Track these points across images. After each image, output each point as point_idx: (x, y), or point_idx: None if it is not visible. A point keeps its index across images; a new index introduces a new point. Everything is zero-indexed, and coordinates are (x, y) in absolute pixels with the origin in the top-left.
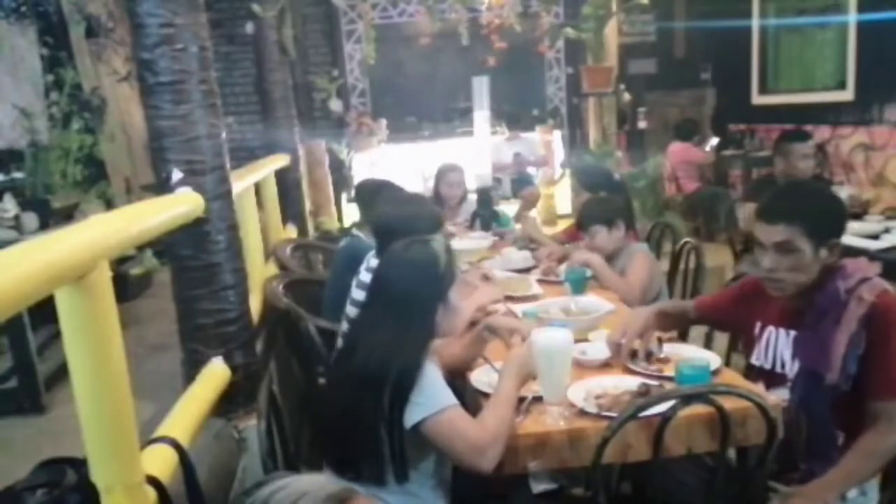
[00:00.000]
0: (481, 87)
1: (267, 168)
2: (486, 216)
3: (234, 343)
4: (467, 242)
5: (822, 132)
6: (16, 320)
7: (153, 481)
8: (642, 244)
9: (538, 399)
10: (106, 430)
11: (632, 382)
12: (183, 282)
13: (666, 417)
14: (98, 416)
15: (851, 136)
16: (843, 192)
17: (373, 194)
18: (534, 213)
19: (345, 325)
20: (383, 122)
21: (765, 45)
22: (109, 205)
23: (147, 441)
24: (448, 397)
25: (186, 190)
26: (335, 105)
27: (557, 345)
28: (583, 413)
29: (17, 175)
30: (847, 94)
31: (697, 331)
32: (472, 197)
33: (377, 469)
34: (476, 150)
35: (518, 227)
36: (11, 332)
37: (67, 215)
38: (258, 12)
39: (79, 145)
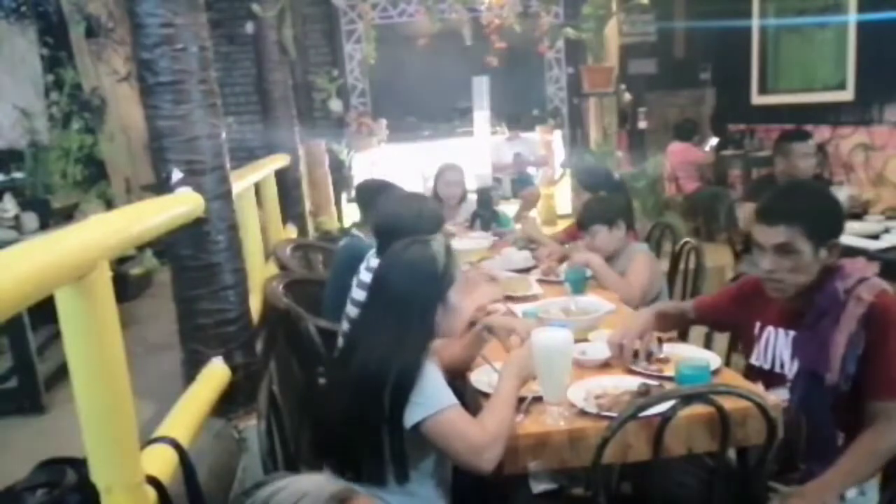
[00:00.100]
0: (481, 87)
1: (267, 168)
2: (486, 216)
3: (234, 343)
4: (467, 242)
5: (822, 132)
6: (16, 320)
7: (153, 481)
8: (642, 244)
9: (538, 399)
10: (106, 430)
11: (632, 382)
12: (183, 282)
13: (666, 417)
14: (98, 416)
15: (851, 136)
16: (843, 192)
17: (373, 194)
18: (534, 213)
19: (345, 325)
20: (383, 122)
21: (765, 45)
22: (109, 205)
23: (147, 441)
24: (448, 397)
25: (186, 190)
26: (335, 105)
27: (557, 345)
28: (583, 413)
29: (17, 175)
30: (847, 94)
31: (697, 331)
32: (472, 197)
33: (377, 469)
34: (476, 150)
35: (518, 227)
36: (11, 332)
37: (67, 215)
38: (258, 12)
39: (79, 145)
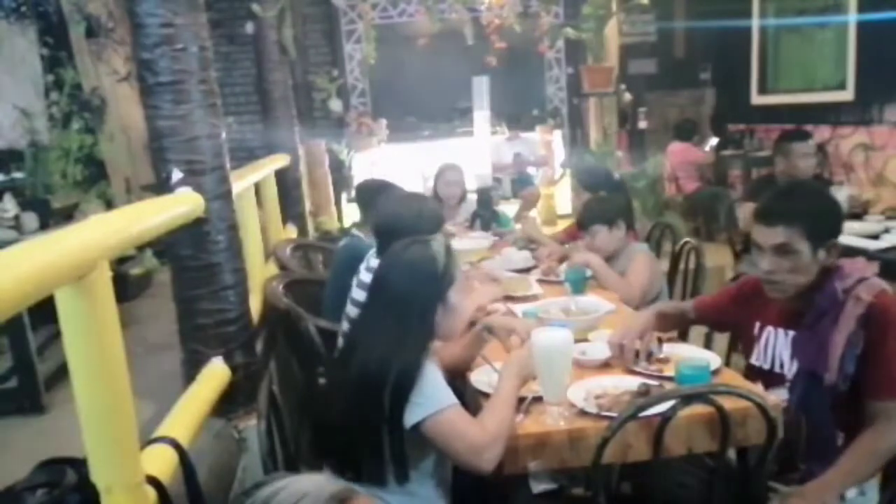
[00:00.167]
0: (481, 87)
1: (267, 168)
2: (486, 216)
3: (234, 343)
4: (467, 242)
5: (822, 132)
6: (16, 320)
7: (153, 481)
8: (643, 244)
9: (538, 399)
10: (106, 430)
11: (632, 382)
12: (183, 282)
13: (666, 417)
14: (98, 416)
15: (851, 136)
16: (843, 192)
17: (373, 194)
18: (534, 213)
19: (345, 326)
20: (383, 122)
21: (765, 45)
22: (109, 205)
23: (147, 441)
24: (448, 397)
25: (186, 190)
26: (335, 105)
27: (557, 345)
28: (583, 413)
29: (17, 175)
30: (847, 94)
31: (697, 331)
32: (472, 197)
33: (377, 469)
34: (476, 150)
35: (518, 227)
36: (11, 332)
37: (67, 215)
38: (258, 12)
39: (79, 145)
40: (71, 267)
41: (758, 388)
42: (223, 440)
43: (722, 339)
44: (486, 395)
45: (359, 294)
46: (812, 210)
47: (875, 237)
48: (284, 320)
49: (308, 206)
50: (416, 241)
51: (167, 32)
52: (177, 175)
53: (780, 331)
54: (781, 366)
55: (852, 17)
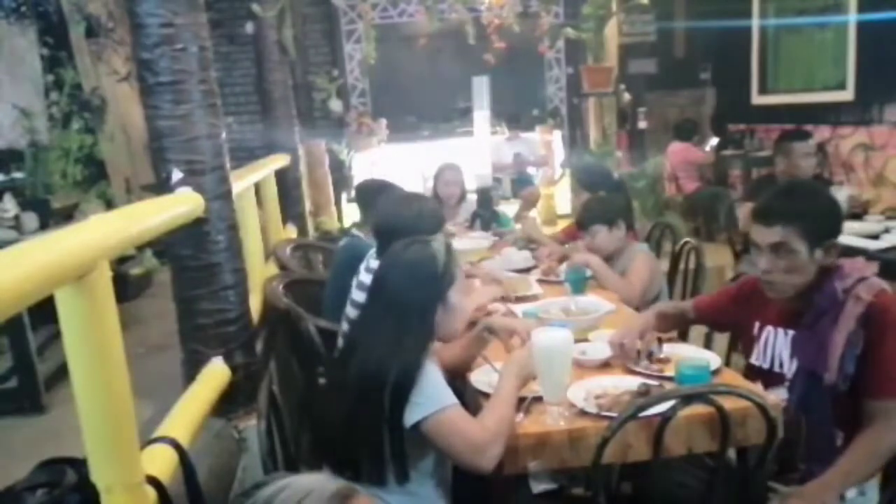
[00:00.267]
0: (481, 87)
1: (267, 168)
2: (486, 216)
3: (234, 343)
4: (467, 242)
5: (822, 132)
6: (16, 320)
7: (153, 481)
8: (643, 244)
9: (538, 399)
10: (106, 430)
11: (632, 382)
12: (183, 282)
13: (666, 417)
14: (98, 416)
15: (851, 136)
16: (843, 192)
17: (373, 194)
18: (534, 213)
19: (345, 326)
20: (383, 122)
21: (765, 45)
22: (109, 205)
23: (147, 441)
24: (448, 397)
25: (186, 190)
26: (335, 105)
27: (557, 345)
28: (583, 413)
29: (17, 175)
30: (847, 94)
31: (697, 331)
32: (472, 197)
33: (377, 469)
34: (476, 150)
35: (518, 227)
36: (11, 332)
37: (67, 215)
38: (258, 12)
39: (79, 145)
40: (71, 267)
41: (757, 387)
42: (223, 440)
43: (722, 339)
44: (486, 395)
45: (358, 295)
46: (810, 210)
47: (875, 237)
48: (284, 320)
49: (308, 206)
50: (415, 241)
51: (167, 32)
52: (177, 175)
53: (780, 330)
54: (781, 365)
55: (852, 17)
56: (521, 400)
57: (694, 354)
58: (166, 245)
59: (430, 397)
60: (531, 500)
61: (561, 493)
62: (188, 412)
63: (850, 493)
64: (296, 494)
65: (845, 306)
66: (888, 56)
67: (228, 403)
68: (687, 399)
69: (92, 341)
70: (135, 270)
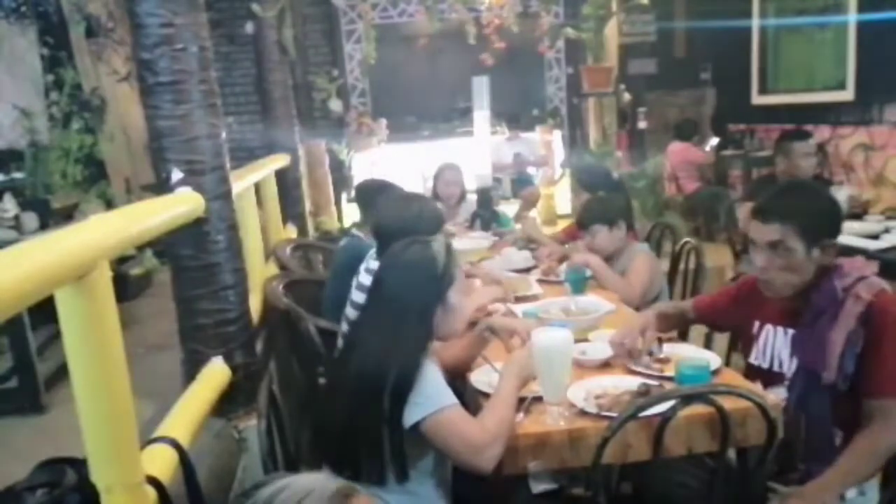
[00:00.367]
0: (481, 87)
1: (267, 168)
2: (486, 216)
3: (234, 343)
4: (467, 242)
5: (822, 132)
6: (16, 320)
7: (153, 481)
8: (643, 244)
9: (538, 399)
10: (106, 430)
11: (632, 382)
12: (183, 282)
13: (666, 417)
14: (98, 416)
15: (851, 136)
16: (843, 192)
17: (373, 194)
18: (534, 213)
19: (344, 327)
20: (383, 122)
21: (765, 45)
22: (109, 205)
23: (147, 441)
24: (447, 397)
25: (186, 190)
26: (335, 105)
27: (557, 345)
28: (583, 413)
29: (17, 175)
30: (847, 94)
31: (697, 331)
32: (472, 197)
33: (377, 468)
34: (476, 150)
35: (518, 227)
36: (11, 332)
37: (67, 215)
38: (258, 12)
39: (79, 145)
40: (71, 267)
41: (757, 387)
42: (223, 440)
43: (722, 339)
44: (486, 396)
45: (358, 296)
46: (808, 209)
47: (875, 237)
48: (284, 320)
49: (308, 206)
50: (415, 242)
51: (167, 32)
52: (177, 175)
53: (780, 329)
54: (780, 364)
55: (852, 17)
56: (521, 400)
57: (694, 354)
58: (166, 245)
59: (430, 397)
60: (531, 500)
61: (561, 493)
62: (188, 412)
63: (850, 493)
64: (296, 494)
65: (845, 305)
66: (888, 56)
67: (228, 403)
68: (687, 399)
69: (92, 341)
70: (135, 270)
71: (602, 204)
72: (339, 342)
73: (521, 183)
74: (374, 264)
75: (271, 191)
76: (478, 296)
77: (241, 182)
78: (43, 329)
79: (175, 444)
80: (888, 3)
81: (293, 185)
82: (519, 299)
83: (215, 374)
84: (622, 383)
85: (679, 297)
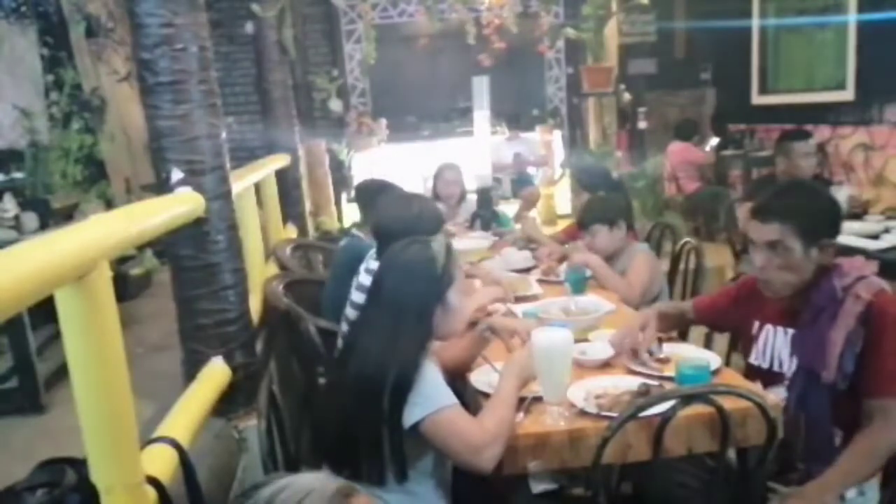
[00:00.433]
0: (481, 87)
1: (267, 168)
2: (486, 216)
3: (234, 343)
4: (467, 242)
5: (822, 132)
6: (16, 320)
7: (153, 481)
8: (643, 244)
9: (538, 399)
10: (106, 430)
11: (632, 382)
12: (183, 282)
13: (666, 417)
14: (98, 416)
15: (851, 136)
16: (843, 192)
17: (373, 194)
18: (534, 213)
19: (344, 327)
20: (383, 122)
21: (765, 45)
22: (109, 205)
23: (147, 441)
24: (447, 397)
25: (186, 190)
26: (335, 105)
27: (557, 345)
28: (583, 413)
29: (17, 175)
30: (847, 94)
31: (697, 331)
32: (472, 197)
33: (377, 469)
34: (476, 150)
35: (518, 227)
36: (11, 332)
37: (67, 215)
38: (258, 12)
39: (79, 145)
40: (71, 267)
41: (757, 387)
42: (223, 440)
43: (722, 339)
44: (486, 396)
45: (358, 297)
46: (806, 208)
47: (875, 237)
48: (284, 320)
49: (308, 206)
50: (415, 242)
51: (167, 32)
52: (177, 175)
53: (780, 329)
54: (780, 364)
55: (852, 17)
56: (521, 400)
57: (694, 354)
58: (166, 245)
59: (429, 398)
60: (531, 500)
61: (561, 493)
62: (188, 412)
63: (850, 493)
64: (296, 494)
65: (844, 305)
66: (888, 56)
67: (228, 403)
68: (687, 399)
69: (92, 341)
70: (135, 270)
71: (602, 204)
72: (339, 342)
73: (521, 183)
74: (374, 264)
75: (271, 191)
76: (478, 296)
77: (241, 182)
78: (43, 329)
79: (175, 444)
80: (888, 3)
81: (293, 185)
82: (519, 299)
83: (215, 374)
84: (622, 383)
85: (679, 297)
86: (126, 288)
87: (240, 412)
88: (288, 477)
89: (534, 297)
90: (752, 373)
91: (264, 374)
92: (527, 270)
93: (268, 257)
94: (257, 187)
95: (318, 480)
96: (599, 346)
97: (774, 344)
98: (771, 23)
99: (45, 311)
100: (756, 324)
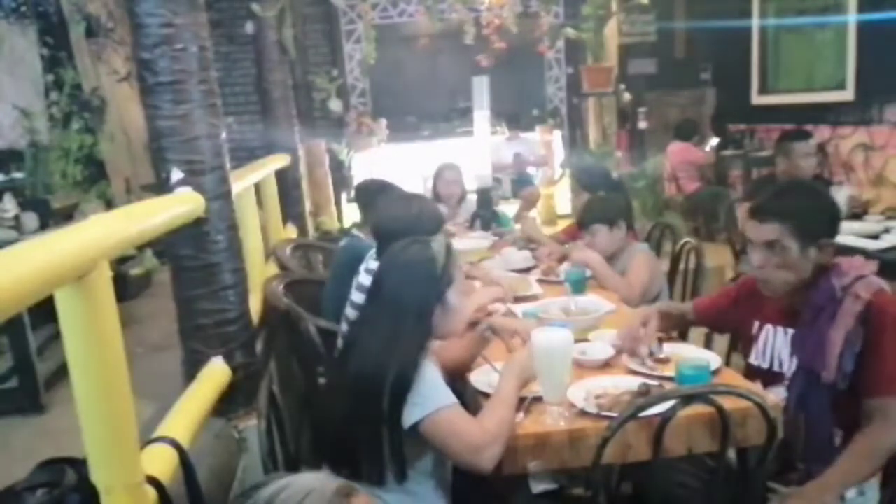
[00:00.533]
0: (481, 87)
1: (267, 168)
2: (486, 216)
3: (234, 343)
4: (467, 242)
5: (822, 132)
6: (16, 320)
7: (153, 481)
8: (643, 244)
9: (538, 399)
10: (106, 430)
11: (632, 382)
12: (183, 282)
13: (666, 417)
14: (98, 416)
15: (851, 136)
16: (843, 192)
17: (373, 194)
18: (534, 213)
19: (344, 327)
20: (383, 122)
21: (765, 45)
22: (109, 205)
23: (147, 441)
24: (446, 397)
25: (186, 190)
26: (335, 105)
27: (557, 345)
28: (583, 413)
29: (17, 175)
30: (847, 94)
31: (697, 331)
32: (472, 197)
33: (376, 469)
34: (476, 150)
35: (518, 227)
36: (11, 332)
37: (67, 215)
38: (258, 12)
39: (79, 145)
40: (71, 267)
41: (757, 387)
42: (223, 440)
43: (722, 340)
44: (486, 396)
45: (357, 297)
46: (803, 208)
47: (875, 237)
48: (284, 320)
49: (308, 206)
50: (415, 242)
51: (167, 32)
52: (177, 175)
53: (779, 329)
54: (780, 364)
55: (852, 17)
56: (521, 400)
57: (694, 354)
58: (166, 245)
59: (428, 398)
60: (531, 500)
61: (561, 493)
62: (188, 412)
63: (850, 493)
64: (297, 494)
65: (843, 304)
66: (888, 56)
67: (228, 403)
68: (687, 399)
69: (92, 341)
70: (135, 270)
71: (602, 204)
72: (339, 342)
73: (521, 183)
74: (373, 264)
75: (271, 191)
76: (478, 296)
77: (241, 182)
78: (43, 329)
79: (175, 444)
80: (888, 3)
81: (293, 185)
82: (519, 299)
83: (215, 374)
84: (622, 383)
85: (679, 297)
86: (126, 288)
87: (240, 412)
88: (288, 477)
89: (534, 297)
90: (752, 373)
91: (264, 374)
92: (527, 270)
93: (268, 257)
94: (257, 187)
95: (318, 480)
96: (599, 346)
97: (774, 344)
98: (771, 23)
99: (45, 311)
100: (756, 324)
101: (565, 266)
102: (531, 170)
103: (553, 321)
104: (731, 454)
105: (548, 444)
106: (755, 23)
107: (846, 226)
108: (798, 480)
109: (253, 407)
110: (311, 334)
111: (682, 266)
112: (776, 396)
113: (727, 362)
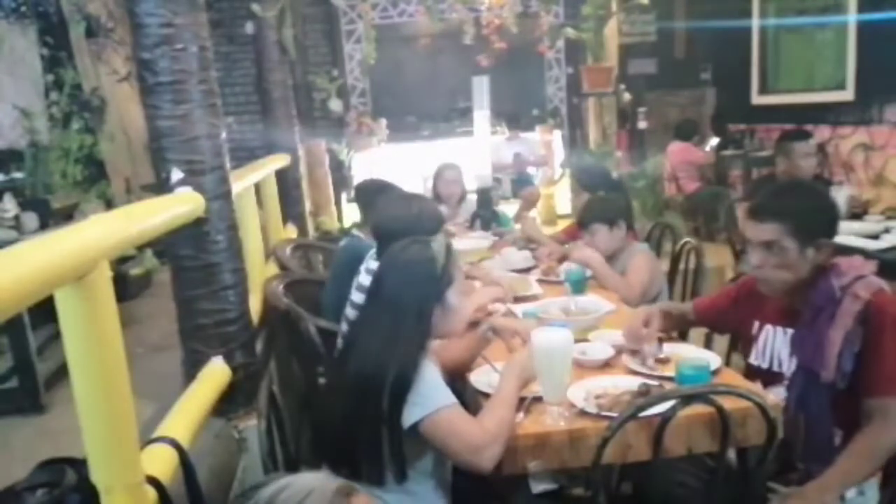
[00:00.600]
0: (481, 86)
1: (267, 168)
2: (486, 216)
3: (234, 343)
4: (467, 242)
5: (822, 132)
6: (16, 320)
7: (153, 481)
8: (643, 244)
9: (538, 399)
10: (106, 430)
11: (632, 382)
12: (183, 282)
13: (666, 417)
14: (98, 416)
15: (851, 136)
16: (843, 192)
17: (373, 194)
18: (534, 213)
19: (344, 327)
20: (383, 122)
21: (765, 45)
22: (109, 205)
23: (147, 441)
24: (446, 396)
25: (186, 190)
26: (335, 105)
27: (557, 345)
28: (583, 413)
29: (17, 175)
30: (847, 94)
31: (697, 331)
32: (472, 197)
33: (376, 469)
34: (476, 150)
35: (518, 227)
36: (11, 332)
37: (67, 215)
38: (258, 12)
39: (79, 145)
40: (71, 267)
41: (757, 387)
42: (223, 440)
43: (722, 340)
44: (486, 396)
45: (357, 297)
46: (801, 208)
47: (875, 237)
48: (284, 320)
49: (308, 206)
50: (415, 242)
51: (167, 32)
52: (177, 175)
53: (779, 329)
54: (780, 364)
55: (852, 17)
56: (522, 400)
57: (694, 354)
58: (166, 245)
59: (428, 398)
60: (531, 500)
61: (561, 493)
62: (188, 412)
63: (850, 493)
64: (297, 494)
65: (842, 304)
66: (888, 56)
67: (228, 403)
68: (687, 399)
69: (92, 341)
70: (135, 270)
71: (602, 204)
72: (339, 342)
73: (521, 183)
74: (373, 264)
75: (271, 191)
76: (478, 296)
77: (241, 182)
78: (43, 329)
79: (175, 444)
80: (888, 3)
81: (293, 185)
82: (519, 299)
83: (215, 374)
84: (622, 383)
85: (679, 297)
86: (126, 288)
87: (240, 412)
88: (288, 477)
89: (534, 297)
90: (751, 373)
91: (264, 374)
92: (527, 270)
93: (268, 257)
94: (257, 187)
95: (318, 480)
96: (599, 346)
97: (774, 344)
98: (771, 23)
99: (45, 311)
100: (756, 324)
101: (565, 266)
102: (531, 170)
103: (553, 321)
104: (731, 454)
105: (548, 444)
106: (755, 23)
107: (846, 226)
108: (798, 480)
109: (253, 407)
110: (311, 334)
111: (682, 266)
112: (776, 396)
113: (727, 362)
